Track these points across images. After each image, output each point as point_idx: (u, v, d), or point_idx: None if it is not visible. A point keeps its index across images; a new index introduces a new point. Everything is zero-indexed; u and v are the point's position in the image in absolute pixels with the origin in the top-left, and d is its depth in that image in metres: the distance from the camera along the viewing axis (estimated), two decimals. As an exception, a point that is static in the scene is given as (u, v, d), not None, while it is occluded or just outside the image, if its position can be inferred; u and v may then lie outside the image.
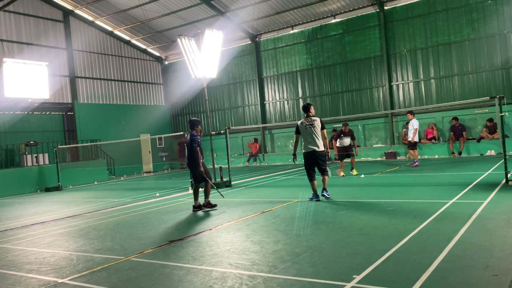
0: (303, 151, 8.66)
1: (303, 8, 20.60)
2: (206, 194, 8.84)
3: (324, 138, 8.63)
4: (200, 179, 8.81)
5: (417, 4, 18.69)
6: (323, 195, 8.60)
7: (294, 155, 9.10)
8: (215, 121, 25.05)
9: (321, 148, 8.51)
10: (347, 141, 13.29)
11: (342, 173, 13.21)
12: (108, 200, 12.30)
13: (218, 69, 15.20)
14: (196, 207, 8.78)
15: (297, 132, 8.77)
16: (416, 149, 14.86)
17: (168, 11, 21.87)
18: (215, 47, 14.43)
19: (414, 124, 14.48)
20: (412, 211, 6.87)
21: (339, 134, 13.41)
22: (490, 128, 16.68)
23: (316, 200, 8.56)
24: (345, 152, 13.34)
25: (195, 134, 8.74)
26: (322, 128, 8.64)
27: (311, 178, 8.65)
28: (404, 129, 14.72)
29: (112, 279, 4.61)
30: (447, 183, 9.96)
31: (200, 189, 9.01)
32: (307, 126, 8.57)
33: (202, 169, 8.64)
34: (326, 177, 8.66)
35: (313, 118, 8.64)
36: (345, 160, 13.49)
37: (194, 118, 9.16)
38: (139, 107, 25.42)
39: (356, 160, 14.21)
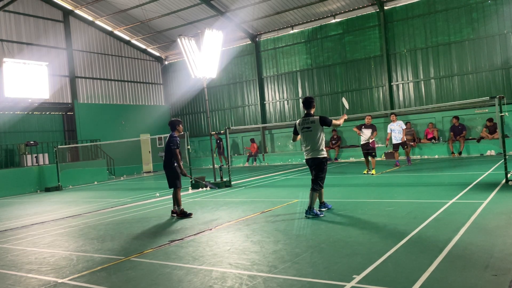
0: (305, 156, 7.36)
1: (303, 8, 20.60)
2: (178, 202, 8.19)
3: (337, 124, 7.36)
4: (170, 184, 8.33)
5: (417, 4, 18.68)
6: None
7: None
8: (215, 121, 25.04)
9: (321, 155, 7.06)
10: (367, 133, 12.82)
11: (370, 172, 12.90)
12: (108, 200, 12.30)
13: (218, 69, 15.20)
14: (175, 213, 8.27)
15: (295, 132, 7.49)
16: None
17: (168, 11, 21.86)
18: (215, 47, 14.43)
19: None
20: (412, 211, 6.86)
21: (360, 127, 13.13)
22: (490, 128, 16.67)
23: (320, 212, 7.14)
24: (366, 151, 12.98)
25: (175, 135, 8.32)
26: (328, 124, 7.17)
27: None
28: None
29: (112, 279, 4.61)
30: (447, 183, 9.96)
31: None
32: (304, 129, 7.20)
33: (184, 171, 8.31)
34: (315, 193, 7.04)
35: (311, 119, 7.14)
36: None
37: (173, 119, 8.74)
38: (139, 107, 25.42)
39: (356, 160, 14.19)
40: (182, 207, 8.22)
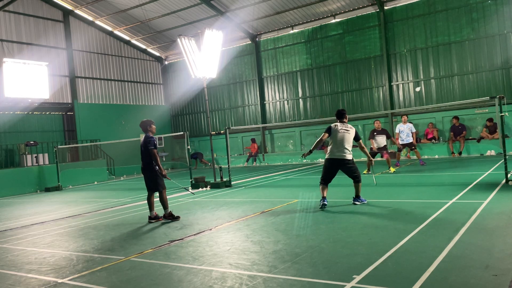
0: (328, 156, 7.94)
1: (303, 8, 20.60)
2: (164, 205, 7.88)
3: (362, 147, 8.27)
4: (153, 187, 7.96)
5: (417, 4, 18.68)
6: (354, 204, 7.91)
7: (311, 151, 8.10)
8: (215, 121, 25.04)
9: (350, 157, 7.89)
10: (382, 140, 12.82)
11: (368, 172, 12.99)
12: (108, 200, 12.31)
13: (218, 69, 15.19)
14: (153, 218, 7.87)
15: (328, 132, 8.00)
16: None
17: (168, 11, 21.86)
18: (215, 47, 14.42)
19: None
20: (412, 211, 6.87)
21: (372, 134, 13.07)
22: (490, 128, 16.67)
23: (323, 205, 7.70)
24: (379, 152, 13.07)
25: (150, 135, 7.98)
26: (358, 139, 8.06)
27: (325, 183, 7.97)
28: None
29: (112, 279, 4.61)
30: (447, 183, 9.96)
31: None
32: (342, 130, 7.90)
33: (164, 172, 7.94)
34: (358, 184, 7.94)
35: (349, 125, 8.04)
36: (374, 159, 13.05)
37: (145, 119, 8.27)
38: (139, 107, 25.41)
39: (356, 160, 14.10)
40: (169, 209, 7.92)
